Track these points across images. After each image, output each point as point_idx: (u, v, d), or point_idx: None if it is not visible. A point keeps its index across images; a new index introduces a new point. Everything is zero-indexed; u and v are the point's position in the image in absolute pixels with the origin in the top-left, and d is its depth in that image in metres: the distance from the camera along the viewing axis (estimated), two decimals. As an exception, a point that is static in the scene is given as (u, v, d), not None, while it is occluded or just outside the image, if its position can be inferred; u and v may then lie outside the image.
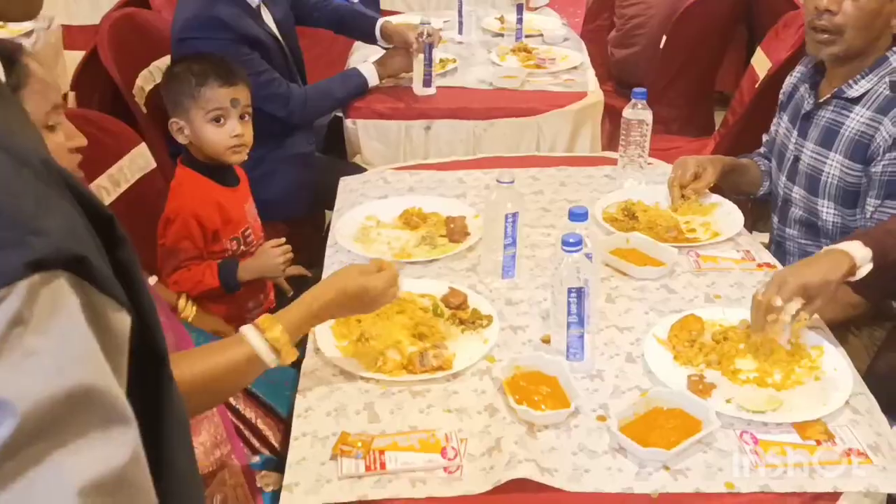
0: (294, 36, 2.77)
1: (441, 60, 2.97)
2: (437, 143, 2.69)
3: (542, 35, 3.34)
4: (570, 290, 1.40)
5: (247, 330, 1.27)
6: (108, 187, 2.11)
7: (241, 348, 1.26)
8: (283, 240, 1.96)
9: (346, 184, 2.18)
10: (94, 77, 2.70)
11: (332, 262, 1.80)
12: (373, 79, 2.71)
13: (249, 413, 1.64)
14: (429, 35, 2.66)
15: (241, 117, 1.91)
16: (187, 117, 1.87)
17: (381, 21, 2.86)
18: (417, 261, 1.78)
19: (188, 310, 1.86)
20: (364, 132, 2.70)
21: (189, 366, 1.20)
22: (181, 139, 1.90)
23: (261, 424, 1.63)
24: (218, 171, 1.93)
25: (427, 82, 2.73)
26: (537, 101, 2.70)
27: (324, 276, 1.71)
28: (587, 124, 2.74)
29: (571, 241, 1.40)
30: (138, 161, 2.17)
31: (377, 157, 2.71)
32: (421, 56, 2.67)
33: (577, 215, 1.48)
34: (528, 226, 1.84)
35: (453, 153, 2.65)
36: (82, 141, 1.36)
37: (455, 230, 1.87)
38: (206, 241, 1.90)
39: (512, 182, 1.63)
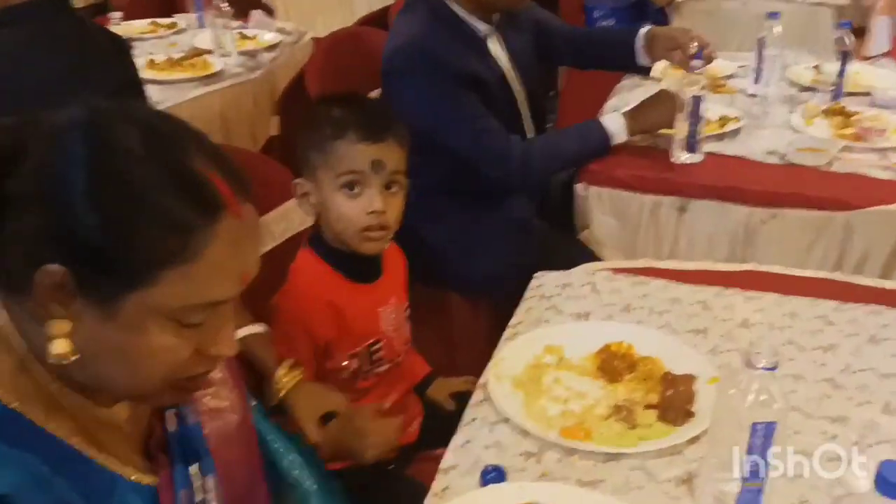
0: (533, 72, 2.19)
1: (721, 118, 2.24)
2: (691, 231, 1.96)
3: (870, 95, 2.46)
4: (754, 427, 0.90)
5: None
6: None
7: None
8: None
9: (537, 283, 1.54)
10: (299, 103, 2.32)
11: (473, 418, 1.19)
12: (619, 134, 2.04)
13: None
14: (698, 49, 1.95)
15: (388, 187, 1.35)
16: (315, 179, 1.35)
17: (644, 29, 2.17)
18: (597, 450, 1.10)
19: (287, 378, 1.32)
20: (597, 202, 2.04)
21: None
22: (305, 208, 1.38)
23: None
24: (352, 259, 1.39)
25: (692, 146, 2.01)
26: (849, 190, 1.88)
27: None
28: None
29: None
30: (292, 217, 1.70)
31: (610, 237, 2.05)
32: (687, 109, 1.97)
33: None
34: (797, 432, 1.11)
35: (713, 249, 1.92)
36: (230, 350, 0.80)
37: (674, 403, 1.17)
38: (316, 355, 1.36)
39: (773, 369, 0.91)
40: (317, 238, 1.40)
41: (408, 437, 1.50)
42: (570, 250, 2.01)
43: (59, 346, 0.72)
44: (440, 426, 1.26)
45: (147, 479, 0.83)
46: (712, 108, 2.25)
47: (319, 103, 1.45)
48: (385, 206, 1.33)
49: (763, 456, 0.92)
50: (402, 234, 2.02)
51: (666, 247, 1.98)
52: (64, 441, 0.76)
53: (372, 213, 1.32)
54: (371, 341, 1.40)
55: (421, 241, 2.03)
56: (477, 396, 1.23)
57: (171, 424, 0.88)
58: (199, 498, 0.86)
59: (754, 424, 0.91)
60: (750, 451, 0.92)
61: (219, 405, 0.94)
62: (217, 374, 0.95)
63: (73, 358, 0.72)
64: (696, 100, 1.96)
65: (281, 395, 1.29)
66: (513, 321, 1.42)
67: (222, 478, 0.89)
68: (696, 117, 1.98)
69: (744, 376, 0.92)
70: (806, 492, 1.03)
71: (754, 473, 0.93)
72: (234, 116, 2.61)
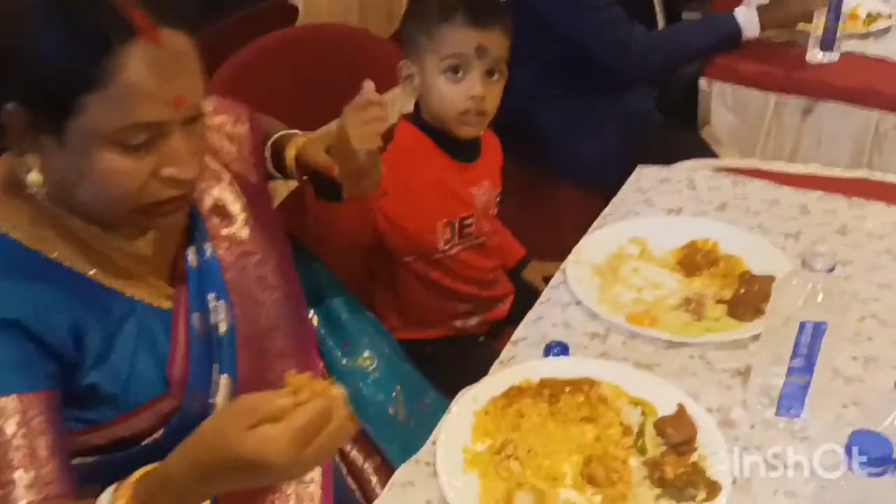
0: None
1: (868, 15, 2.10)
2: (815, 133, 1.91)
3: None
4: (802, 325, 0.92)
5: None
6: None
7: None
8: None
9: (637, 177, 1.56)
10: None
11: (548, 298, 1.26)
12: (751, 28, 1.97)
13: (356, 454, 1.22)
14: None
15: (489, 74, 1.39)
16: (419, 62, 1.40)
17: None
18: (661, 336, 1.15)
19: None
20: (719, 98, 2.01)
21: None
22: (408, 90, 1.44)
23: (369, 470, 1.23)
24: (450, 139, 1.44)
25: (828, 44, 1.92)
26: None
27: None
28: None
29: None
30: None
31: (729, 135, 2.02)
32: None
33: None
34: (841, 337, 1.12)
35: (836, 154, 1.86)
36: (185, 173, 0.89)
37: (746, 300, 1.19)
38: (412, 227, 1.45)
39: (831, 270, 0.93)
40: (417, 116, 1.47)
41: (499, 313, 1.59)
42: (688, 146, 1.98)
43: (33, 177, 0.87)
44: (530, 306, 1.33)
45: (167, 305, 0.96)
46: (865, 4, 2.12)
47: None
48: (485, 92, 1.37)
49: (810, 354, 0.95)
50: (516, 117, 2.07)
51: (786, 148, 1.94)
52: (81, 273, 0.90)
53: (472, 97, 1.37)
54: (465, 215, 1.48)
55: (534, 125, 2.06)
56: (556, 279, 1.29)
57: (193, 259, 1.00)
58: (213, 321, 0.98)
59: (803, 323, 0.93)
60: (797, 348, 0.95)
61: (238, 240, 1.05)
62: (237, 208, 1.07)
63: (44, 188, 0.87)
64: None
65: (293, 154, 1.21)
66: (605, 211, 1.46)
67: (239, 308, 1.01)
68: (835, 13, 1.88)
69: (800, 275, 0.94)
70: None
71: (800, 369, 0.96)
72: (371, 1, 2.67)
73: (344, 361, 1.29)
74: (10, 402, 0.82)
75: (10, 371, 0.83)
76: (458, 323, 1.54)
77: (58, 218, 0.90)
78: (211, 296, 1.00)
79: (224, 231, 1.05)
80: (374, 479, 1.21)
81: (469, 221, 1.48)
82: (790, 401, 0.99)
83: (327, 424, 0.74)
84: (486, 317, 1.56)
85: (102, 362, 0.90)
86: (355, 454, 1.24)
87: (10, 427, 0.82)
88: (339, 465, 1.23)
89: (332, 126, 1.11)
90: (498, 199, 1.55)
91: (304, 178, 1.18)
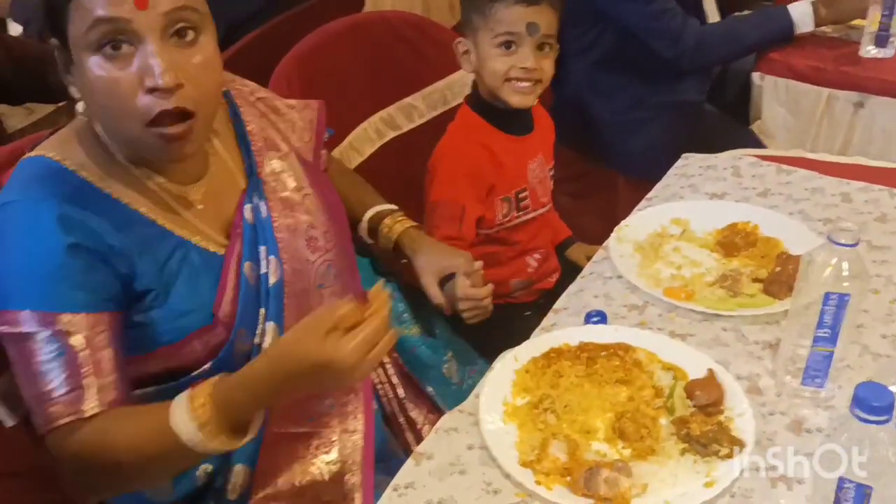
0: None
1: (927, 11, 2.11)
2: (868, 128, 1.93)
3: None
4: (827, 296, 0.98)
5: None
6: (420, 108, 1.84)
7: (163, 414, 0.93)
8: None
9: (683, 163, 1.62)
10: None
11: (591, 272, 1.33)
12: (805, 23, 2.00)
13: (415, 414, 1.32)
14: None
15: (540, 48, 1.47)
16: (475, 39, 1.49)
17: None
18: (695, 309, 1.21)
19: (390, 221, 1.41)
20: (771, 92, 2.04)
21: (120, 427, 0.95)
22: (465, 66, 1.53)
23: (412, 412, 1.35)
24: (504, 114, 1.53)
25: (882, 40, 1.94)
26: None
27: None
28: None
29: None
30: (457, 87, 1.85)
31: (781, 130, 2.06)
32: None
33: None
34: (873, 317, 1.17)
35: (887, 149, 1.88)
36: (160, 80, 0.93)
37: (781, 278, 1.24)
38: (480, 201, 1.53)
39: (854, 245, 0.98)
40: (475, 96, 1.56)
41: (547, 285, 1.67)
42: (738, 139, 2.03)
43: (80, 106, 1.03)
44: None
45: (220, 251, 1.06)
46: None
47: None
48: (536, 65, 1.46)
49: (835, 324, 1.00)
50: (571, 108, 2.13)
51: (837, 143, 1.96)
52: (132, 207, 1.01)
53: (524, 69, 1.46)
54: (520, 188, 1.56)
55: (589, 115, 2.13)
56: (599, 255, 1.36)
57: (250, 215, 1.10)
58: (263, 270, 1.08)
59: (827, 294, 0.99)
60: (822, 319, 1.00)
61: (292, 203, 1.15)
62: (293, 177, 1.17)
63: (83, 106, 1.01)
64: (896, -11, 1.88)
65: (393, 237, 1.37)
66: (650, 194, 1.52)
67: (288, 265, 1.10)
68: (890, 10, 1.90)
69: (826, 249, 0.99)
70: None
71: (825, 339, 1.02)
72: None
73: (400, 329, 1.39)
74: (80, 319, 0.95)
75: (79, 290, 0.95)
76: (511, 294, 1.62)
77: (117, 159, 1.03)
78: (262, 249, 1.09)
79: (281, 194, 1.15)
80: None
81: (524, 195, 1.57)
82: (815, 371, 1.05)
83: (384, 336, 0.90)
84: (534, 287, 1.64)
85: (152, 294, 1.01)
86: (416, 413, 1.34)
87: (79, 341, 0.94)
88: (398, 420, 1.33)
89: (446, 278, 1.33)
90: (551, 172, 1.62)
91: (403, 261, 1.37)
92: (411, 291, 1.44)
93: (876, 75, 1.91)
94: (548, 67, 1.49)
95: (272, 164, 1.17)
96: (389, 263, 1.45)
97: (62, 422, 0.94)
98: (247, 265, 1.08)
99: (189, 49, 0.96)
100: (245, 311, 1.06)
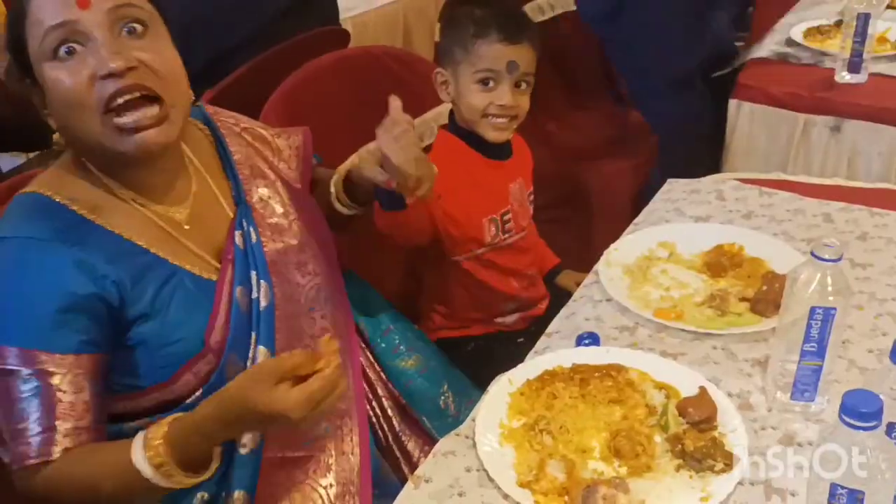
0: None
1: (897, 38, 2.17)
2: (844, 150, 1.97)
3: None
4: (813, 311, 1.00)
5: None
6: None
7: (125, 452, 0.97)
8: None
9: (668, 188, 1.65)
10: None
11: (581, 296, 1.35)
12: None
13: (412, 446, 1.32)
14: None
15: (517, 85, 1.50)
16: (455, 71, 1.52)
17: None
18: (685, 329, 1.23)
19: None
20: (748, 118, 2.08)
21: (86, 464, 0.99)
22: (443, 96, 1.57)
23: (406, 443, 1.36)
24: (482, 140, 1.56)
25: (855, 66, 1.99)
26: None
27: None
28: None
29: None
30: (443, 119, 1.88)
31: (760, 154, 2.09)
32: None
33: None
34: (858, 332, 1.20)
35: (865, 169, 1.93)
36: (109, 64, 0.97)
37: (767, 296, 1.27)
38: (457, 227, 1.56)
39: (838, 260, 1.01)
40: (452, 123, 1.60)
41: (537, 312, 1.69)
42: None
43: (56, 136, 1.07)
44: (564, 308, 1.43)
45: (213, 276, 1.08)
46: (885, 26, 2.19)
47: (460, 5, 1.61)
48: (513, 102, 1.49)
49: (821, 338, 1.03)
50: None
51: (814, 167, 2.00)
52: (124, 237, 1.03)
53: (501, 106, 1.49)
54: (504, 210, 1.59)
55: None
56: (589, 279, 1.38)
57: (240, 241, 1.12)
58: (254, 295, 1.10)
59: (813, 308, 1.01)
60: (808, 334, 1.03)
61: (281, 229, 1.17)
62: (281, 204, 1.19)
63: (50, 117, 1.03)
64: (864, 17, 1.93)
65: (342, 171, 1.31)
66: (637, 219, 1.55)
67: (278, 289, 1.12)
68: (861, 36, 1.96)
69: (810, 265, 1.02)
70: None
71: (812, 353, 1.04)
72: (416, 24, 2.81)
73: (396, 362, 1.40)
74: (62, 359, 0.97)
75: (65, 331, 0.97)
76: (500, 320, 1.63)
77: (108, 187, 1.05)
78: (253, 273, 1.11)
79: (269, 220, 1.17)
80: None
81: (508, 217, 1.59)
82: (804, 385, 1.07)
83: (334, 391, 0.94)
84: (525, 314, 1.66)
85: (145, 322, 1.03)
86: (412, 445, 1.34)
87: (59, 381, 0.97)
88: (393, 452, 1.33)
89: (371, 146, 1.23)
90: (531, 198, 1.65)
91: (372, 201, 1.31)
92: (408, 323, 1.46)
93: (850, 100, 1.95)
94: (524, 103, 1.53)
95: (260, 192, 1.20)
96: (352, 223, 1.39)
97: (30, 462, 0.97)
98: (238, 290, 1.09)
99: (140, 41, 1.01)
100: (236, 336, 1.08)
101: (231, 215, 1.15)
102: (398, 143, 1.16)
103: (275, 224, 1.17)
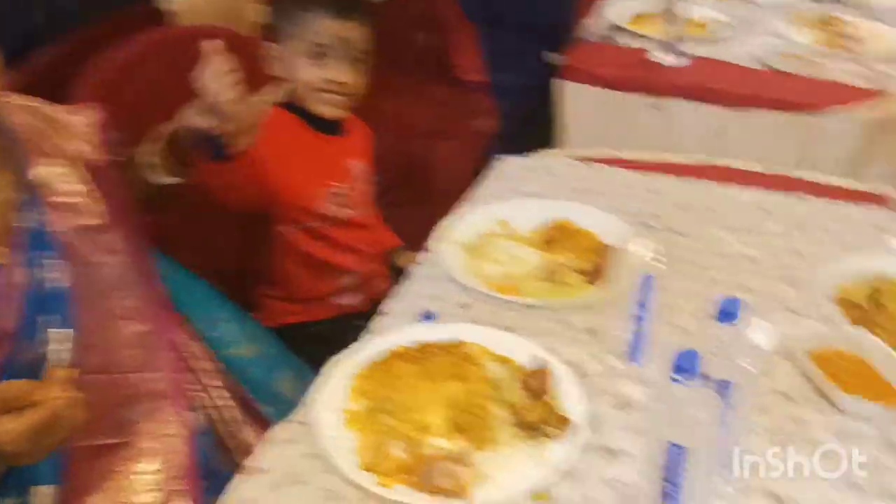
0: None
1: (708, 22, 2.30)
2: (669, 129, 2.07)
3: (870, 7, 2.49)
4: (640, 279, 1.04)
5: None
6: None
7: None
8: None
9: (501, 166, 1.67)
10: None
11: (417, 274, 1.34)
12: None
13: (252, 436, 1.27)
14: None
15: (351, 62, 1.48)
16: (284, 45, 1.48)
17: None
18: (522, 302, 1.25)
19: None
20: (574, 97, 2.14)
21: None
22: (274, 70, 1.52)
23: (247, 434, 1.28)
24: (314, 115, 1.53)
25: (672, 48, 2.09)
26: (819, 94, 1.97)
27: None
28: (889, 142, 1.94)
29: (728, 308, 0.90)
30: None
31: (585, 134, 2.16)
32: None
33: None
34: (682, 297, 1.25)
35: (686, 144, 2.02)
36: None
37: (602, 266, 1.31)
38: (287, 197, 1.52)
39: (660, 230, 1.05)
40: (285, 103, 1.54)
41: (379, 294, 1.66)
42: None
43: None
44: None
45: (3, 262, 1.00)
46: (704, 13, 2.32)
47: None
48: (349, 79, 1.46)
49: (644, 299, 1.06)
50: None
51: (639, 143, 2.08)
52: None
53: (334, 82, 1.45)
54: (340, 184, 1.57)
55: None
56: (423, 257, 1.38)
57: (26, 222, 1.04)
58: (48, 276, 1.02)
59: (640, 276, 1.04)
60: (636, 300, 1.06)
61: (77, 208, 1.10)
62: (74, 182, 1.11)
63: None
64: (671, 2, 2.04)
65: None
66: (470, 196, 1.55)
67: (77, 268, 1.05)
68: (670, 21, 2.06)
69: (636, 236, 1.05)
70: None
71: (639, 318, 1.08)
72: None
73: (229, 350, 1.34)
74: None
75: None
76: (341, 300, 1.60)
77: None
78: (45, 254, 1.04)
79: (60, 199, 1.09)
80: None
81: (344, 191, 1.57)
82: (633, 349, 1.11)
83: (59, 422, 0.87)
84: (367, 297, 1.63)
85: None
86: (254, 437, 1.29)
87: None
88: (237, 444, 1.27)
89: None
90: (374, 179, 1.63)
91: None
92: (242, 312, 1.40)
93: (671, 80, 2.05)
94: (359, 80, 1.50)
95: (47, 170, 1.11)
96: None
97: None
98: (26, 272, 1.02)
99: None
100: (26, 323, 1.00)
101: (16, 196, 1.07)
102: (216, 81, 1.12)
103: (67, 203, 1.09)
